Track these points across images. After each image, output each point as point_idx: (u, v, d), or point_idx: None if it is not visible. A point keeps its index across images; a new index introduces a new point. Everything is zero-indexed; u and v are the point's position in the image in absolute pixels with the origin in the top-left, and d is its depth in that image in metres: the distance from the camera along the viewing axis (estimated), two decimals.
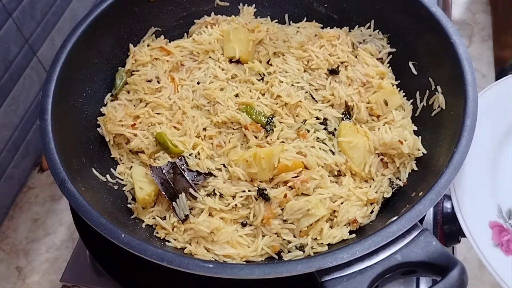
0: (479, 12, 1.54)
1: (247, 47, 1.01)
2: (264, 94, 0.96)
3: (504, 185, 0.88)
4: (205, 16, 1.10)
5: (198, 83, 0.99)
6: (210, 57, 1.03)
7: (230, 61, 1.02)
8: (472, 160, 0.84)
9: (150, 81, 1.01)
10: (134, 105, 0.99)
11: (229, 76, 0.99)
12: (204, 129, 0.93)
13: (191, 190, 0.86)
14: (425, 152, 0.89)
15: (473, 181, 0.87)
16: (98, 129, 0.97)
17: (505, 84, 0.97)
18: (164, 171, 0.87)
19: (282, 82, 0.96)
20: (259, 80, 0.99)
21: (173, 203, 0.86)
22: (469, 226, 0.82)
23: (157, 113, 0.98)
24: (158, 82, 1.00)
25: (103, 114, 0.98)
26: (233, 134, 0.92)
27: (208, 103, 0.95)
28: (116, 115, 0.96)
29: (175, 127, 0.94)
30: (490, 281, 1.05)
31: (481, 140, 0.89)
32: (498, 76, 1.32)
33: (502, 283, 0.78)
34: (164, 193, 0.87)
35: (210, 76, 0.99)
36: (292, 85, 0.96)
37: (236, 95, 0.97)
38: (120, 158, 0.97)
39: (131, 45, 1.03)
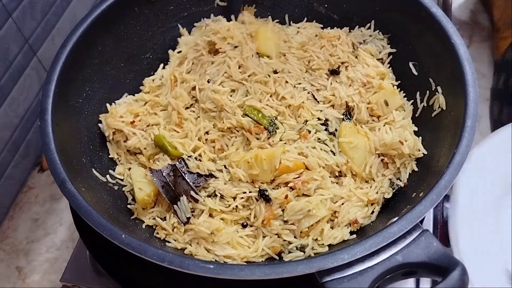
0: (479, 12, 1.53)
1: (277, 46, 1.00)
2: (271, 96, 0.95)
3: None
4: (204, 18, 1.10)
5: (208, 81, 0.96)
6: (236, 46, 0.99)
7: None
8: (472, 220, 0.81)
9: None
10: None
11: (246, 76, 0.95)
12: (207, 132, 0.92)
13: (192, 192, 0.85)
14: (426, 152, 0.89)
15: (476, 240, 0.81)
16: (99, 124, 0.97)
17: (503, 135, 0.95)
18: (164, 174, 0.87)
19: (287, 82, 0.95)
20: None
21: (174, 206, 0.86)
22: None
23: (155, 113, 0.98)
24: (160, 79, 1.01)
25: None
26: (236, 137, 0.91)
27: (215, 107, 0.93)
28: (117, 111, 0.97)
29: (174, 130, 0.94)
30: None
31: (480, 197, 0.85)
32: (496, 71, 1.33)
33: None
34: (165, 196, 0.86)
35: (223, 75, 0.95)
36: (295, 86, 0.95)
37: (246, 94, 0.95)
38: (118, 159, 0.97)
39: None
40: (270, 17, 1.11)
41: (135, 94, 1.04)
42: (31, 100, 1.19)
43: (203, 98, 0.95)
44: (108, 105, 1.00)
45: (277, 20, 1.11)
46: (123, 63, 1.04)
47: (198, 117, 0.95)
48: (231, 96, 0.94)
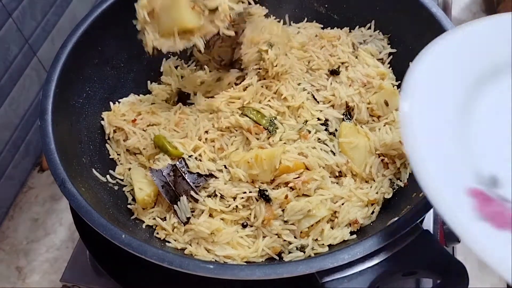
0: (479, 12, 1.54)
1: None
2: (272, 97, 0.95)
3: (482, 143, 0.66)
4: None
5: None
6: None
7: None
8: (433, 114, 0.66)
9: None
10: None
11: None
12: (206, 131, 0.93)
13: (192, 192, 0.85)
14: None
15: (436, 140, 0.65)
16: (101, 122, 0.98)
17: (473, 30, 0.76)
18: (164, 174, 0.87)
19: (289, 82, 0.95)
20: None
21: (175, 206, 0.86)
22: (438, 195, 0.59)
23: (156, 113, 0.98)
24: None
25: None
26: (235, 137, 0.91)
27: (211, 113, 0.95)
28: (120, 109, 0.97)
29: (174, 130, 0.94)
30: (491, 282, 1.05)
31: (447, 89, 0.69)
32: None
33: (496, 266, 0.56)
34: (165, 196, 0.86)
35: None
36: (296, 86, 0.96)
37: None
38: (118, 158, 0.97)
39: None
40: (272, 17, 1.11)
41: (140, 95, 1.04)
42: (31, 100, 1.19)
43: (199, 99, 0.96)
44: (111, 103, 0.99)
45: (277, 20, 1.11)
46: (123, 63, 1.04)
47: (198, 117, 0.95)
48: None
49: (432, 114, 0.65)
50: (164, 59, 1.09)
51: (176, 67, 1.08)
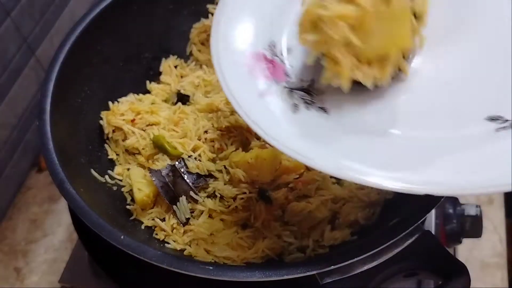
0: None
1: None
2: None
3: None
4: (203, 19, 1.09)
5: None
6: None
7: None
8: None
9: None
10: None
11: None
12: (206, 131, 0.92)
13: (191, 193, 0.85)
14: None
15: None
16: (100, 121, 0.97)
17: None
18: (163, 174, 0.86)
19: None
20: None
21: (174, 206, 0.86)
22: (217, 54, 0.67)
23: (156, 113, 0.98)
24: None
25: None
26: (235, 136, 0.91)
27: (210, 113, 0.94)
28: (119, 108, 0.96)
29: (174, 130, 0.94)
30: (493, 282, 1.05)
31: None
32: None
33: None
34: (164, 196, 0.86)
35: None
36: None
37: None
38: (117, 159, 0.97)
39: None
40: None
41: (139, 94, 1.04)
42: (29, 100, 1.19)
43: (198, 99, 0.95)
44: (110, 103, 0.99)
45: None
46: (122, 63, 1.03)
47: (197, 116, 0.95)
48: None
49: None
50: (163, 58, 1.08)
51: (175, 67, 1.08)
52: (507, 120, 0.60)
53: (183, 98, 1.02)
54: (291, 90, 0.66)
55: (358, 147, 0.61)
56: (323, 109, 0.65)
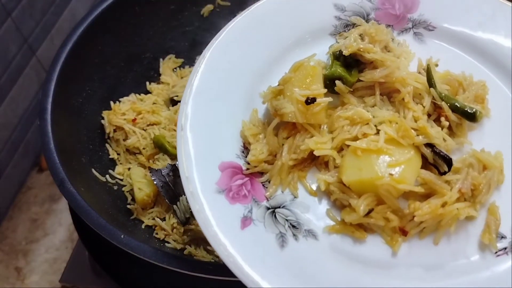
0: None
1: None
2: None
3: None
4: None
5: None
6: None
7: None
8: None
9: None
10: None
11: None
12: None
13: None
14: None
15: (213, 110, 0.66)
16: (102, 121, 0.97)
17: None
18: (164, 174, 0.87)
19: None
20: None
21: (174, 206, 0.86)
22: (189, 166, 0.60)
23: (157, 112, 0.98)
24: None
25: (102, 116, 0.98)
26: None
27: None
28: (121, 108, 0.96)
29: (174, 130, 0.94)
30: None
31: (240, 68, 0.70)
32: None
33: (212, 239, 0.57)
34: (164, 196, 0.86)
35: None
36: None
37: None
38: (118, 158, 0.97)
39: None
40: None
41: (141, 94, 1.04)
42: (30, 100, 1.19)
43: None
44: (111, 102, 0.99)
45: None
46: (124, 63, 1.04)
47: None
48: None
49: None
50: (161, 59, 1.09)
51: (174, 70, 1.08)
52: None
53: (177, 103, 1.02)
54: (274, 211, 0.61)
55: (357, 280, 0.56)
56: (312, 234, 0.60)
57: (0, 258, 1.12)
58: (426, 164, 0.62)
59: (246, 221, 0.59)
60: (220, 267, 0.71)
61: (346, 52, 0.67)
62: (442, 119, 0.65)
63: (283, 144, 0.64)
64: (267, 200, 0.62)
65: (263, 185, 0.63)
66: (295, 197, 0.63)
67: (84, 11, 0.96)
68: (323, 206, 0.63)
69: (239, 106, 0.68)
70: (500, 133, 0.67)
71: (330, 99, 0.63)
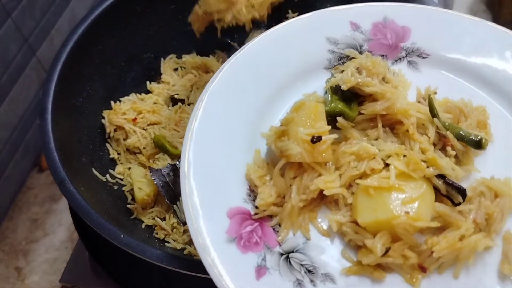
0: (480, 12, 1.54)
1: None
2: None
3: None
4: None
5: None
6: None
7: None
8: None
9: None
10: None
11: None
12: None
13: None
14: None
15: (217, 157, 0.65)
16: (102, 120, 0.97)
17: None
18: (164, 173, 0.87)
19: None
20: None
21: (174, 206, 0.86)
22: (196, 217, 0.59)
23: (158, 112, 0.98)
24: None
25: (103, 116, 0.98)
26: None
27: None
28: (121, 107, 0.96)
29: (175, 129, 0.94)
30: None
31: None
32: None
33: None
34: (164, 195, 0.86)
35: None
36: None
37: None
38: (118, 158, 0.97)
39: None
40: None
41: (141, 94, 1.04)
42: (30, 100, 1.19)
43: (194, 99, 0.96)
44: (112, 102, 0.99)
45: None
46: (124, 62, 1.04)
47: None
48: None
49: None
50: (162, 59, 1.09)
51: (175, 70, 1.08)
52: None
53: (178, 102, 1.02)
54: (288, 256, 0.59)
55: None
56: (329, 278, 0.58)
57: (0, 258, 1.12)
58: (437, 196, 0.61)
59: (260, 270, 0.58)
60: None
61: (344, 87, 0.66)
62: (448, 148, 0.64)
63: (290, 185, 0.62)
64: (280, 245, 0.60)
65: (273, 229, 0.62)
66: (307, 239, 0.61)
67: (84, 11, 0.96)
68: (337, 246, 0.61)
69: (240, 147, 0.66)
70: (504, 157, 0.66)
71: (336, 135, 0.63)
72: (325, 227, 0.62)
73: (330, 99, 0.67)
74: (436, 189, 0.61)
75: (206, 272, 0.69)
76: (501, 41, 0.74)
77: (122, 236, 0.72)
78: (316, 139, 0.60)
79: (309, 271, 0.58)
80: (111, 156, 0.97)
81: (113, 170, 0.95)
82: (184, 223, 0.85)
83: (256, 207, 0.62)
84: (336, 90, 0.68)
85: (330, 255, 0.60)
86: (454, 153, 0.64)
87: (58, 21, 1.23)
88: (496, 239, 0.60)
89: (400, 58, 0.76)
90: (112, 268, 0.89)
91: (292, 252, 0.60)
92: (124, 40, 1.02)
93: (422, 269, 0.58)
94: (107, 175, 0.93)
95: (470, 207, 0.60)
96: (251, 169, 0.64)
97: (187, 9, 1.08)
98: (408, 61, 0.76)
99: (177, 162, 0.88)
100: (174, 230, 0.86)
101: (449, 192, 0.61)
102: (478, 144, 0.65)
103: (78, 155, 0.90)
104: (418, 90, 0.70)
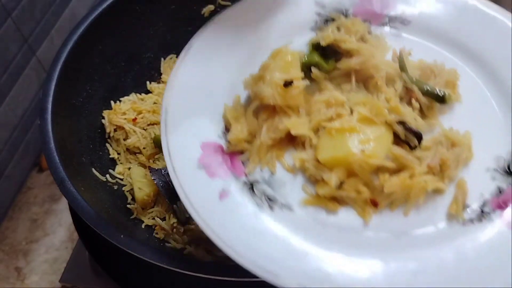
0: None
1: None
2: None
3: None
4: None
5: None
6: None
7: None
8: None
9: None
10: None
11: None
12: None
13: None
14: None
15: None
16: (102, 120, 0.97)
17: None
18: (164, 173, 0.87)
19: None
20: None
21: (174, 206, 0.86)
22: (171, 144, 0.65)
23: (158, 112, 0.98)
24: None
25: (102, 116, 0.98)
26: None
27: None
28: (121, 107, 0.97)
29: None
30: None
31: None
32: None
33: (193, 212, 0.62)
34: (164, 195, 0.86)
35: None
36: None
37: None
38: (118, 158, 0.97)
39: None
40: None
41: (142, 94, 1.04)
42: (30, 100, 1.19)
43: None
44: (112, 102, 0.99)
45: None
46: (124, 62, 1.04)
47: None
48: None
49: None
50: (162, 59, 1.09)
51: None
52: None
53: None
54: (252, 185, 0.65)
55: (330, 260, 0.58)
56: (287, 207, 0.64)
57: (0, 258, 1.12)
58: (398, 142, 0.66)
59: (224, 193, 0.63)
60: (220, 267, 0.71)
61: (323, 43, 0.72)
62: (413, 101, 0.69)
63: (263, 125, 0.68)
64: (246, 176, 0.66)
65: (243, 163, 0.67)
66: (272, 174, 0.67)
67: (84, 11, 0.96)
68: (299, 181, 0.66)
69: (221, 92, 0.72)
70: (470, 116, 0.71)
71: (307, 82, 0.68)
72: (290, 165, 0.67)
73: (308, 52, 0.73)
74: (396, 137, 0.66)
75: (206, 272, 0.69)
76: (482, 13, 0.78)
77: (122, 236, 0.72)
78: (287, 83, 0.65)
79: (270, 199, 0.64)
80: (111, 156, 0.97)
81: (113, 170, 0.95)
82: (184, 223, 0.85)
83: (229, 142, 0.67)
84: (316, 47, 0.73)
85: (291, 188, 0.66)
86: (418, 105, 0.69)
87: (58, 21, 1.23)
88: (451, 187, 0.65)
89: (383, 24, 0.81)
90: (112, 268, 0.89)
91: (257, 182, 0.65)
92: (124, 40, 1.02)
93: (374, 203, 0.63)
94: (107, 175, 0.93)
95: (427, 154, 0.65)
96: (228, 109, 0.70)
97: (187, 9, 1.09)
98: (391, 27, 0.80)
99: None
100: (174, 230, 0.86)
101: (407, 137, 0.65)
102: (442, 99, 0.69)
103: (78, 155, 0.90)
104: (394, 51, 0.76)
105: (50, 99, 0.86)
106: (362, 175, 0.63)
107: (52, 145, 0.81)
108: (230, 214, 0.61)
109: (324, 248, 0.59)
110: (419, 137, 0.65)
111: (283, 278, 0.56)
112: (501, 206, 0.62)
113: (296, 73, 0.67)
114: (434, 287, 0.56)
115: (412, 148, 0.65)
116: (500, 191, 0.64)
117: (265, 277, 0.57)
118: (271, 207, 0.63)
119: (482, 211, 0.63)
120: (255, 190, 0.65)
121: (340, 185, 0.63)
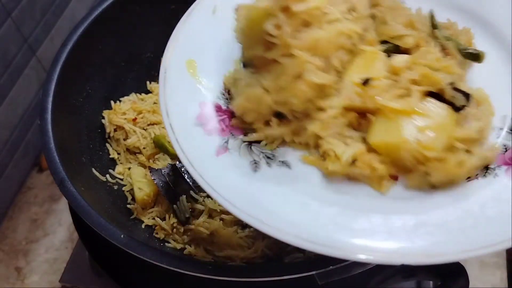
0: None
1: None
2: None
3: None
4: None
5: None
6: None
7: None
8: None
9: None
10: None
11: None
12: None
13: (192, 192, 0.85)
14: None
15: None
16: (102, 120, 0.97)
17: None
18: (164, 173, 0.87)
19: None
20: None
21: (174, 206, 0.86)
22: (169, 102, 0.64)
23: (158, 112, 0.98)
24: None
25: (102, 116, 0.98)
26: None
27: None
28: (121, 107, 0.97)
29: None
30: (491, 282, 1.05)
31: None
32: None
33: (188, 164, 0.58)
34: (164, 195, 0.86)
35: None
36: None
37: None
38: (118, 158, 0.97)
39: None
40: None
41: (142, 94, 1.04)
42: (30, 100, 1.19)
43: None
44: (112, 102, 0.99)
45: None
46: (124, 62, 1.04)
47: None
48: None
49: None
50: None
51: None
52: None
53: None
54: (250, 144, 0.63)
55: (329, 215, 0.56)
56: (285, 164, 0.61)
57: (0, 258, 1.12)
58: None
59: (221, 149, 0.61)
60: (220, 267, 0.71)
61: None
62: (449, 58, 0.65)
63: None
64: (244, 135, 0.63)
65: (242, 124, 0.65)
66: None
67: (84, 11, 0.96)
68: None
69: (220, 54, 0.70)
70: (476, 76, 0.68)
71: None
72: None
73: None
74: (438, 95, 0.60)
75: (206, 272, 0.69)
76: None
77: (122, 236, 0.72)
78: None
79: (268, 157, 0.62)
80: (111, 156, 0.97)
81: (113, 170, 0.95)
82: (184, 223, 0.85)
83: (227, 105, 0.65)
84: None
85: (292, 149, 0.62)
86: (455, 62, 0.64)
87: (58, 21, 1.23)
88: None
89: None
90: (112, 268, 0.89)
91: (255, 142, 0.63)
92: (124, 40, 1.02)
93: (394, 178, 0.59)
94: (107, 175, 0.93)
95: (471, 113, 0.60)
96: (227, 78, 0.67)
97: (187, 9, 1.09)
98: None
99: (177, 162, 0.88)
100: (174, 230, 0.86)
101: (455, 97, 0.60)
102: (477, 57, 0.66)
103: (78, 155, 0.90)
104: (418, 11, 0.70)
105: (50, 99, 0.86)
106: (408, 162, 0.57)
107: (52, 145, 0.81)
108: (226, 169, 0.59)
109: (323, 202, 0.57)
110: (468, 97, 0.60)
111: (280, 231, 0.54)
112: (508, 163, 0.61)
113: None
114: (435, 240, 0.53)
115: (458, 109, 0.60)
116: (506, 149, 0.62)
117: (263, 229, 0.54)
118: (268, 164, 0.61)
119: (487, 167, 0.61)
120: (253, 148, 0.62)
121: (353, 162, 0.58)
